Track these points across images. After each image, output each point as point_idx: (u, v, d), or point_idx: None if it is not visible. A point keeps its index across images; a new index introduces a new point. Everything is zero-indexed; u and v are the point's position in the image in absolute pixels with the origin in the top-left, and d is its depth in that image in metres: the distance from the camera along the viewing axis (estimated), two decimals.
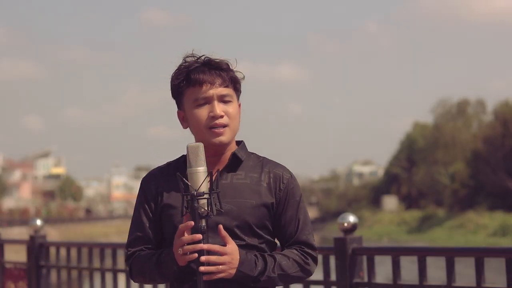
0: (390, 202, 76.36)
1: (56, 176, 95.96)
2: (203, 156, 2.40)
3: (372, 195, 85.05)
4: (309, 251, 2.58)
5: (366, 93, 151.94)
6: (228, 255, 2.40)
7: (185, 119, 2.60)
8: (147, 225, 2.58)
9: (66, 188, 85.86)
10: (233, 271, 2.41)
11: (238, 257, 2.42)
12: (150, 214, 2.58)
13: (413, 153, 77.26)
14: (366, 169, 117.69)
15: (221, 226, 2.41)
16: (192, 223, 2.34)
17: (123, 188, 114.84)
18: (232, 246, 2.41)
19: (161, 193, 2.57)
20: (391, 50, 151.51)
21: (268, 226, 2.56)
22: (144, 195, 2.60)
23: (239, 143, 2.63)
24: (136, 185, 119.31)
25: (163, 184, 2.58)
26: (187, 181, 2.37)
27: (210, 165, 2.49)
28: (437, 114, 70.67)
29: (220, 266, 2.38)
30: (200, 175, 2.36)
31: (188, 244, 2.35)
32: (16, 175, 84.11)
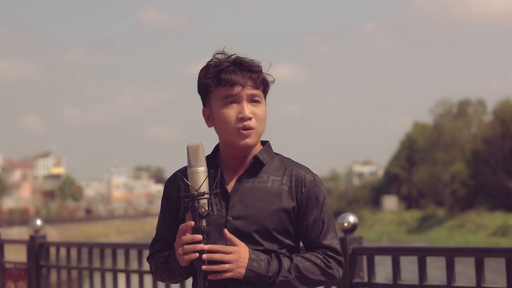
0: (390, 202, 76.31)
1: (56, 176, 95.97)
2: (203, 156, 2.40)
3: (372, 195, 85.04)
4: (333, 254, 2.47)
5: (366, 93, 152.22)
6: (234, 254, 2.36)
7: (210, 118, 2.52)
8: (166, 227, 2.57)
9: (66, 188, 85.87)
10: (242, 271, 2.36)
11: (247, 256, 2.37)
12: (170, 216, 2.56)
13: (413, 153, 77.26)
14: (366, 169, 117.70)
15: (226, 230, 2.38)
16: (193, 223, 2.33)
17: (123, 188, 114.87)
18: (239, 246, 2.38)
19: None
20: (391, 50, 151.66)
21: (289, 230, 2.46)
22: (166, 197, 2.59)
23: (264, 143, 2.56)
24: (136, 185, 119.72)
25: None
26: (187, 181, 2.37)
27: (233, 167, 2.49)
28: (436, 114, 70.64)
29: (226, 265, 2.35)
30: (200, 175, 2.36)
31: (189, 244, 2.34)
32: (16, 175, 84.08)
